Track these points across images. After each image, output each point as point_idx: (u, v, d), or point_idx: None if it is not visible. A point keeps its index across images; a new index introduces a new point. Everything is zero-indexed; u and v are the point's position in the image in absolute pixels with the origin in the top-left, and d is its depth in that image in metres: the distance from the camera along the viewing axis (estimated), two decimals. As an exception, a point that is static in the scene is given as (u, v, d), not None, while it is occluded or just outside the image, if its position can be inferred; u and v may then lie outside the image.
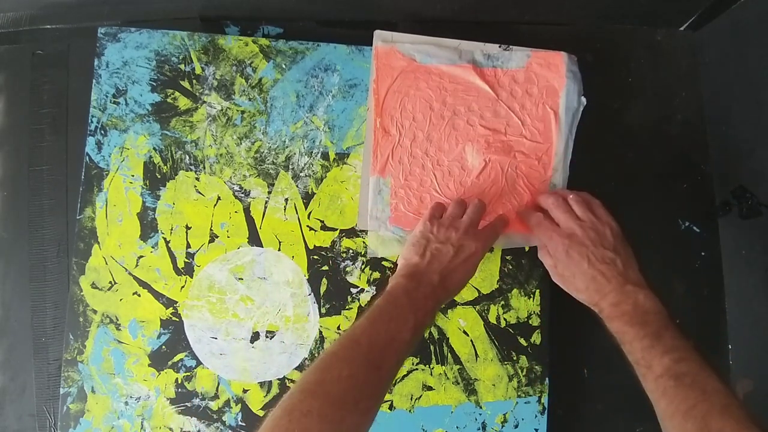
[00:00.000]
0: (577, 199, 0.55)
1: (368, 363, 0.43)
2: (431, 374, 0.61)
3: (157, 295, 0.60)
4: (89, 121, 0.60)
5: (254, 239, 0.61)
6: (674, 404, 0.42)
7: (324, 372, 0.41)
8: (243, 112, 0.61)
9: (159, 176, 0.61)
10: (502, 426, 0.61)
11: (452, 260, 0.52)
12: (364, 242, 0.61)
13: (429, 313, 0.49)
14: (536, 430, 0.62)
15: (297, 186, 0.61)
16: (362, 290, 0.61)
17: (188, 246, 0.60)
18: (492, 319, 0.62)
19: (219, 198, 0.61)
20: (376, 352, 0.43)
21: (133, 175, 0.60)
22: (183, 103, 0.61)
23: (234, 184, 0.61)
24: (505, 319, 0.62)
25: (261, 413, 0.60)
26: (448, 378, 0.61)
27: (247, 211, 0.61)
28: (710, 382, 0.43)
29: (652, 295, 0.49)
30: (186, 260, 0.60)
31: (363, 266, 0.61)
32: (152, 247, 0.60)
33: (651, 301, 0.49)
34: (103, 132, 0.60)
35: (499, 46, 0.62)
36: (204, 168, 0.61)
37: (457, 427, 0.61)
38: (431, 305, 0.49)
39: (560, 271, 0.54)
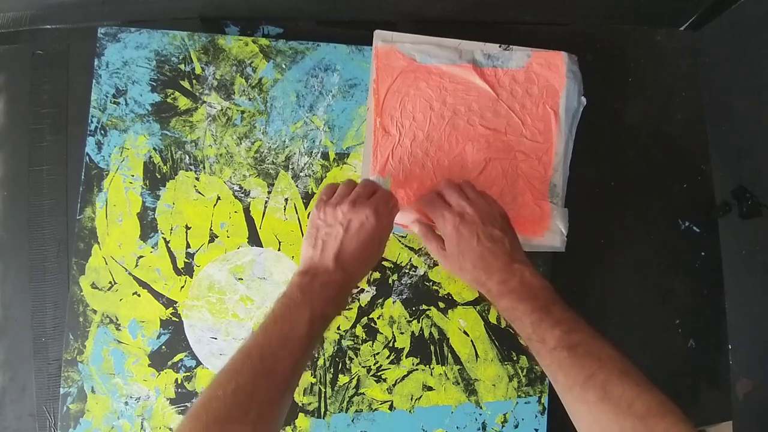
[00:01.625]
0: (468, 184, 0.56)
1: (258, 371, 0.43)
2: (431, 374, 0.61)
3: (157, 295, 0.60)
4: (89, 121, 0.60)
5: (254, 239, 0.61)
6: (572, 376, 0.42)
7: (211, 391, 0.42)
8: (243, 112, 0.61)
9: (159, 176, 0.60)
10: (502, 426, 0.61)
11: (344, 239, 0.50)
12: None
13: (330, 302, 0.48)
14: (536, 430, 0.62)
15: (297, 186, 0.61)
16: (362, 290, 0.61)
17: (188, 246, 0.60)
18: (492, 319, 0.62)
19: (219, 198, 0.61)
20: (267, 358, 0.44)
21: (133, 175, 0.60)
22: (183, 103, 0.61)
23: (234, 184, 0.61)
24: (505, 320, 0.62)
25: (261, 413, 0.60)
26: (448, 378, 0.61)
27: (247, 211, 0.61)
28: (604, 349, 0.43)
29: (538, 273, 0.50)
30: (186, 260, 0.60)
31: (363, 266, 0.61)
32: (152, 247, 0.60)
33: (537, 278, 0.49)
34: (103, 132, 0.60)
35: (499, 46, 0.62)
36: (204, 168, 0.61)
37: (457, 427, 0.61)
38: (331, 293, 0.48)
39: (449, 251, 0.53)
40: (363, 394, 0.60)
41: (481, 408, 0.61)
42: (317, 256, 0.50)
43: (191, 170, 0.61)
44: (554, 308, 0.46)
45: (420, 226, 0.57)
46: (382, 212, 0.51)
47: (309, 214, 0.56)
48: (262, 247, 0.61)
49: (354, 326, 0.61)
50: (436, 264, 0.62)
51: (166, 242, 0.60)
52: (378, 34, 0.61)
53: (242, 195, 0.61)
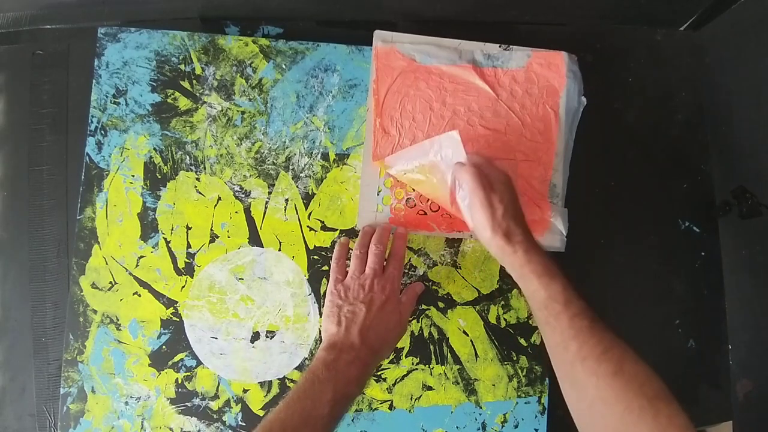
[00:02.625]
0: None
1: None
2: (431, 374, 0.61)
3: (158, 295, 0.60)
4: (89, 121, 0.60)
5: (255, 239, 0.61)
6: (588, 346, 0.43)
7: None
8: (243, 112, 0.61)
9: (159, 176, 0.61)
10: (502, 426, 0.61)
11: (367, 316, 0.53)
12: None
13: (353, 381, 0.49)
14: (536, 430, 0.62)
15: (297, 186, 0.61)
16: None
17: (189, 246, 0.60)
18: (492, 319, 0.62)
19: (219, 198, 0.61)
20: None
21: (133, 176, 0.60)
22: (183, 103, 0.61)
23: (234, 185, 0.61)
24: (505, 319, 0.62)
25: (261, 413, 0.60)
26: (448, 378, 0.61)
27: (247, 211, 0.61)
28: (615, 333, 0.44)
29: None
30: (186, 260, 0.60)
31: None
32: (153, 248, 0.60)
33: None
34: (103, 132, 0.60)
35: (499, 46, 0.62)
36: (204, 168, 0.61)
37: (457, 427, 0.61)
38: (355, 372, 0.50)
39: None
40: (363, 393, 0.60)
41: (480, 408, 0.61)
42: (342, 333, 0.52)
43: (192, 170, 0.61)
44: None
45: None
46: (396, 282, 0.56)
47: (323, 289, 0.59)
48: (262, 247, 0.61)
49: (354, 326, 0.61)
50: (435, 264, 0.62)
51: (167, 242, 0.60)
52: (378, 34, 0.61)
53: (243, 195, 0.61)
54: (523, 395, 0.62)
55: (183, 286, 0.60)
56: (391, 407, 0.61)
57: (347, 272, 0.57)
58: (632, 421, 0.39)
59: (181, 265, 0.60)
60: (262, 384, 0.60)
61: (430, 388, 0.61)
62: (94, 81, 0.60)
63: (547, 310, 0.46)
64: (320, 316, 0.61)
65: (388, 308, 0.54)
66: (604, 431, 0.41)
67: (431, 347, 0.62)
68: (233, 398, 0.60)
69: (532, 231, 0.60)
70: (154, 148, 0.61)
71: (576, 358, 0.43)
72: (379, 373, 0.61)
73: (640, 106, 0.68)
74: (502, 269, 0.62)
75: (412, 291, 0.59)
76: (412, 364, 0.61)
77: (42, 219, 0.62)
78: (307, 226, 0.61)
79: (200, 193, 0.61)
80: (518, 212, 0.51)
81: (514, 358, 0.62)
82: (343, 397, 0.48)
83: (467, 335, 0.62)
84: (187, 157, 0.61)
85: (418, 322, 0.61)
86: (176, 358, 0.60)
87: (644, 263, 0.67)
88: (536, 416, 0.62)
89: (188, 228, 0.60)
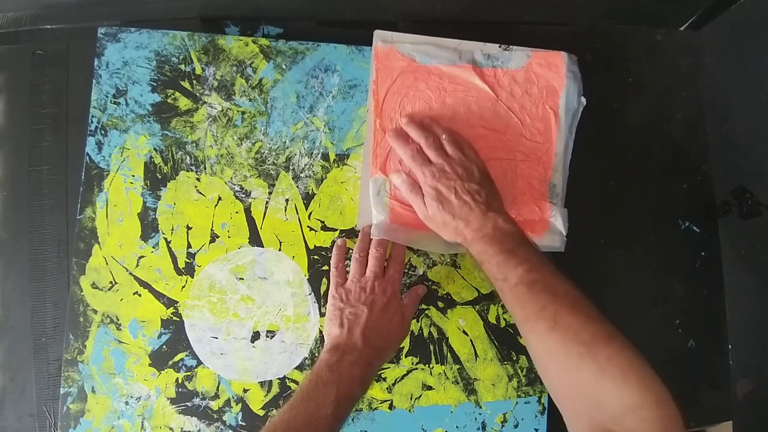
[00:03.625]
0: (449, 138, 0.57)
1: None
2: (431, 374, 0.61)
3: (158, 295, 0.60)
4: (89, 121, 0.60)
5: (255, 239, 0.61)
6: (527, 309, 0.45)
7: None
8: (243, 112, 0.61)
9: (160, 176, 0.61)
10: (502, 426, 0.61)
11: (369, 317, 0.54)
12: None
13: (356, 382, 0.50)
14: (536, 430, 0.62)
15: (297, 187, 0.61)
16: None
17: (189, 246, 0.60)
18: (492, 319, 0.62)
19: (220, 198, 0.61)
20: None
21: (133, 176, 0.60)
22: (183, 103, 0.61)
23: (235, 185, 0.61)
24: (504, 319, 0.62)
25: (261, 413, 0.60)
26: (447, 378, 0.61)
27: (247, 211, 0.61)
28: (561, 285, 0.45)
29: (512, 220, 0.52)
30: (187, 260, 0.60)
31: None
32: (153, 247, 0.60)
33: (509, 225, 0.51)
34: (103, 132, 0.60)
35: (499, 46, 0.62)
36: (205, 168, 0.61)
37: (456, 427, 0.61)
38: (359, 373, 0.50)
39: (429, 205, 0.55)
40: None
41: (480, 408, 0.61)
42: (345, 334, 0.53)
43: (192, 171, 0.61)
44: (520, 250, 0.49)
45: (405, 181, 0.58)
46: (397, 283, 0.57)
47: (324, 294, 0.59)
48: (263, 247, 0.61)
49: (354, 326, 0.61)
50: (435, 264, 0.62)
51: (167, 242, 0.60)
52: (378, 34, 0.61)
53: (243, 195, 0.61)
54: (523, 395, 0.62)
55: (183, 286, 0.60)
56: (390, 407, 0.61)
57: (347, 276, 0.58)
58: (575, 367, 0.41)
59: (181, 265, 0.60)
60: (262, 384, 0.60)
61: (429, 388, 0.61)
62: (94, 81, 0.60)
63: (496, 287, 0.49)
64: (320, 316, 0.61)
65: (390, 309, 0.55)
66: (556, 382, 0.44)
67: (431, 347, 0.62)
68: (233, 398, 0.60)
69: (531, 232, 0.61)
70: (155, 148, 0.61)
71: (520, 320, 0.46)
72: (379, 373, 0.61)
73: (640, 106, 0.68)
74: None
75: (414, 293, 0.59)
76: (412, 363, 0.61)
77: (42, 219, 0.62)
78: (308, 226, 0.61)
79: (201, 193, 0.61)
80: (455, 207, 0.53)
81: (514, 358, 0.62)
82: (347, 398, 0.49)
83: (467, 335, 0.62)
84: (188, 157, 0.61)
85: (417, 321, 0.61)
86: (176, 358, 0.60)
87: (644, 263, 0.67)
88: (536, 416, 0.62)
89: (188, 228, 0.60)
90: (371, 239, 0.59)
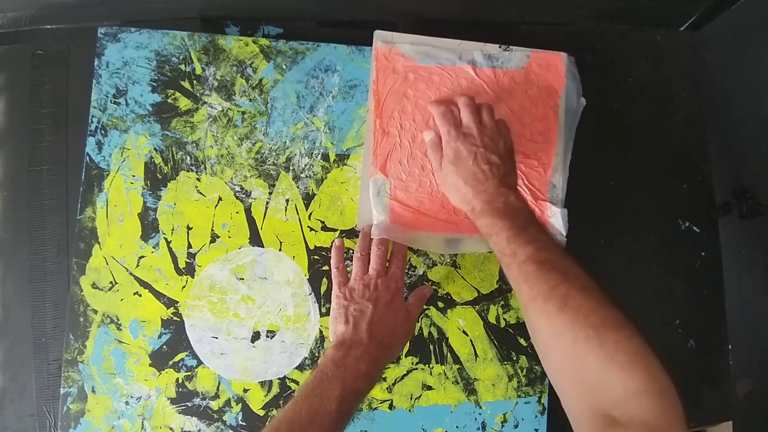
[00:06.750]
0: (487, 107, 0.56)
1: None
2: (431, 374, 0.61)
3: (158, 295, 0.60)
4: (89, 121, 0.60)
5: (255, 239, 0.61)
6: (536, 287, 0.44)
7: None
8: (243, 113, 0.61)
9: (160, 177, 0.61)
10: (502, 426, 0.61)
11: (374, 313, 0.53)
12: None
13: (362, 377, 0.49)
14: (536, 430, 0.62)
15: (298, 187, 0.61)
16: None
17: (189, 246, 0.60)
18: (491, 319, 0.62)
19: (220, 198, 0.61)
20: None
21: (134, 176, 0.60)
22: (184, 103, 0.61)
23: (235, 185, 0.61)
24: (504, 319, 0.62)
25: (261, 413, 0.60)
26: (447, 378, 0.61)
27: (248, 211, 0.61)
28: (572, 267, 0.45)
29: (523, 199, 0.52)
30: (187, 260, 0.60)
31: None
32: (153, 248, 0.60)
33: (521, 202, 0.51)
34: (103, 132, 0.60)
35: (499, 47, 0.62)
36: (205, 168, 0.61)
37: (456, 427, 0.61)
38: (364, 367, 0.50)
39: (445, 165, 0.54)
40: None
41: (480, 407, 0.61)
42: (350, 330, 0.53)
43: (192, 171, 0.61)
44: (531, 228, 0.48)
45: (433, 139, 0.57)
46: (400, 279, 0.57)
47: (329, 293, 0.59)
48: (263, 247, 0.61)
49: (354, 326, 0.61)
50: (435, 264, 0.62)
51: (168, 242, 0.60)
52: (378, 34, 0.61)
53: (243, 196, 0.61)
54: (523, 395, 0.62)
55: (184, 286, 0.60)
56: (390, 407, 0.61)
57: (349, 275, 0.58)
58: (582, 350, 0.40)
59: (181, 265, 0.60)
60: (262, 384, 0.60)
61: (429, 388, 0.61)
62: (94, 81, 0.60)
63: (503, 262, 0.48)
64: (321, 316, 0.61)
65: (394, 305, 0.55)
66: (559, 364, 0.42)
67: (431, 347, 0.62)
68: (234, 398, 0.60)
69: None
70: (155, 149, 0.61)
71: (527, 299, 0.45)
72: (379, 373, 0.61)
73: (640, 106, 0.68)
74: (501, 269, 0.62)
75: (420, 293, 0.59)
76: (412, 363, 0.61)
77: (42, 219, 0.62)
78: (308, 227, 0.61)
79: (201, 193, 0.61)
80: (469, 176, 0.52)
81: (514, 358, 0.62)
82: (352, 393, 0.48)
83: (467, 335, 0.62)
84: (188, 158, 0.61)
85: (417, 321, 0.62)
86: (177, 358, 0.60)
87: (644, 263, 0.67)
88: (536, 416, 0.62)
89: (189, 228, 0.60)
90: (372, 238, 0.58)
